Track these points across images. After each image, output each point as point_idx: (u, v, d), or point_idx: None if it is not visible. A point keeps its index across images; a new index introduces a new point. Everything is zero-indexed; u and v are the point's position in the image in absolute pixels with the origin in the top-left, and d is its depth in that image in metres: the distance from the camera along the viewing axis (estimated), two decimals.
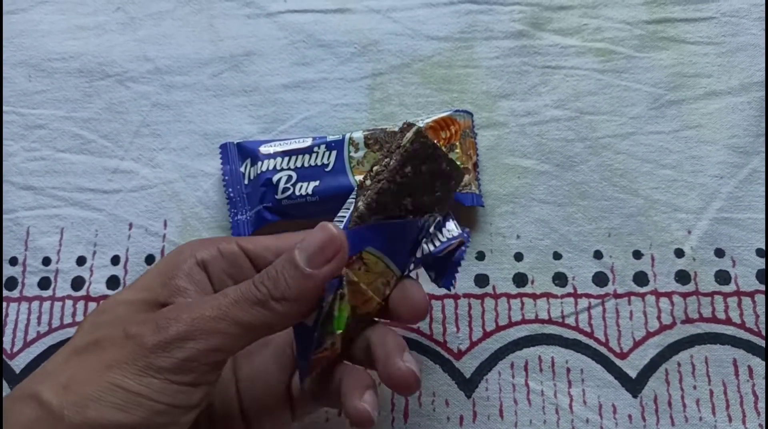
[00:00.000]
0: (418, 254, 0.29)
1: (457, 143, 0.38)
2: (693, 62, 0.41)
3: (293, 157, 0.38)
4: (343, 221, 0.28)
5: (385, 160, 0.28)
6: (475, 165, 0.39)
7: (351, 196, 0.30)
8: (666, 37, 0.42)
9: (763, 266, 0.37)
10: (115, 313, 0.27)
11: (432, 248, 0.29)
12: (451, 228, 0.30)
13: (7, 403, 0.24)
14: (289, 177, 0.37)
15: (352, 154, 0.38)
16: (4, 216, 0.41)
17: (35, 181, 0.42)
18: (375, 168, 0.29)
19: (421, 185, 0.28)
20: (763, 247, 0.37)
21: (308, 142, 0.38)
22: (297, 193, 0.37)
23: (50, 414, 0.23)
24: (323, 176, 0.37)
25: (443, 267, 0.30)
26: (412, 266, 0.30)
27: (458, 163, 0.36)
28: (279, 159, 0.38)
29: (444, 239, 0.29)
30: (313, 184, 0.37)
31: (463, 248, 0.30)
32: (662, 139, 0.40)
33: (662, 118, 0.40)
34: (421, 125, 0.37)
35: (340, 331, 0.27)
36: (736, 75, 0.41)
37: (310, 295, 0.25)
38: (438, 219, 0.29)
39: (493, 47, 0.42)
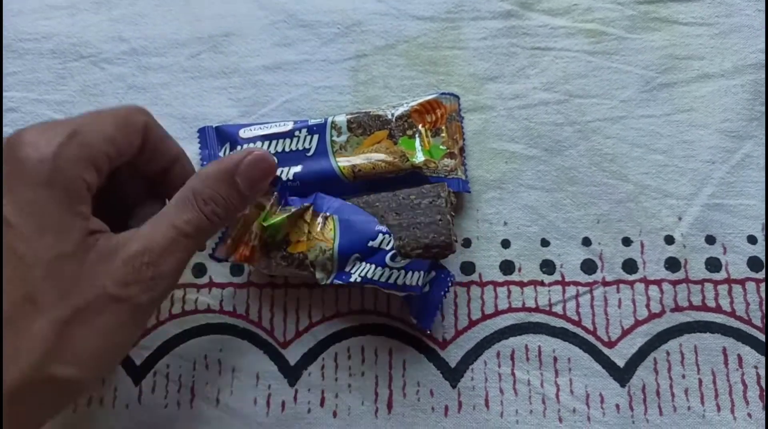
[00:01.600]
0: (369, 274, 0.33)
1: (443, 127, 0.37)
2: (685, 44, 0.40)
3: (273, 142, 0.37)
4: None
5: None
6: (462, 150, 0.38)
7: None
8: (658, 17, 0.41)
9: (755, 253, 0.36)
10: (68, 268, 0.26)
11: (383, 280, 0.33)
12: (414, 278, 0.33)
13: None
14: None
15: (334, 138, 0.37)
16: None
17: None
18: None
19: (410, 215, 0.33)
20: (755, 234, 0.36)
21: (289, 126, 0.37)
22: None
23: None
24: (305, 161, 0.36)
25: (423, 306, 0.34)
26: (358, 280, 0.33)
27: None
28: (259, 143, 0.37)
29: (401, 283, 0.33)
30: (294, 169, 0.36)
31: (442, 293, 0.34)
32: (653, 122, 0.39)
33: (653, 101, 0.39)
34: (407, 109, 0.36)
35: (265, 224, 0.33)
36: (730, 57, 0.40)
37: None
38: (395, 246, 0.33)
39: (481, 28, 0.41)
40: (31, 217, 0.25)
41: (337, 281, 0.33)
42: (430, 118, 0.37)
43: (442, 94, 0.38)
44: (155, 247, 0.27)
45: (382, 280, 0.33)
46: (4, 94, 0.42)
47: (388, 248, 0.33)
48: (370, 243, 0.33)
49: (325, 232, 0.33)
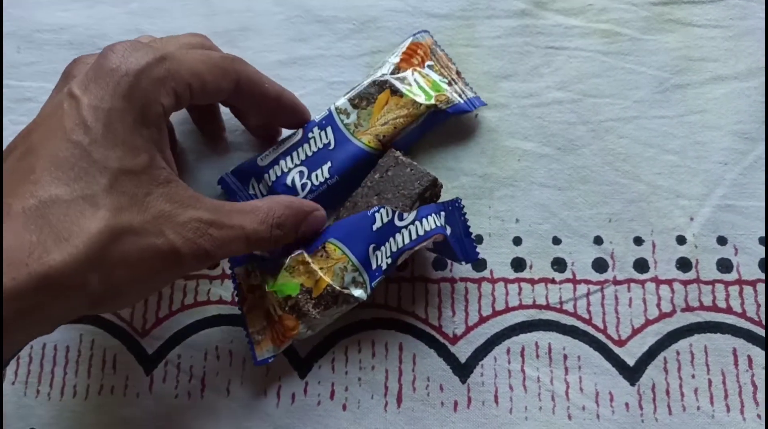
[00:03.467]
0: (393, 248, 0.33)
1: (432, 62, 0.39)
2: (699, 46, 0.40)
3: (293, 153, 0.37)
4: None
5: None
6: (458, 72, 0.39)
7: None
8: (672, 19, 0.41)
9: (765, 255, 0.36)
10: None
11: (407, 241, 0.33)
12: (430, 222, 0.33)
13: None
14: (301, 172, 0.36)
15: (345, 121, 0.37)
16: None
17: None
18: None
19: (387, 187, 0.34)
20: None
21: (299, 135, 0.37)
22: (316, 182, 0.36)
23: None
24: (331, 155, 0.36)
25: (458, 244, 0.34)
26: (390, 261, 0.33)
27: (431, 92, 0.37)
28: (282, 162, 0.36)
29: (422, 232, 0.33)
30: (326, 167, 0.36)
31: (463, 219, 0.35)
32: (666, 123, 0.39)
33: (667, 102, 0.39)
34: (393, 63, 0.38)
35: (272, 289, 0.33)
36: (743, 59, 0.40)
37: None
38: (393, 210, 0.33)
39: (495, 26, 0.41)
40: (106, 126, 0.26)
41: (375, 283, 0.33)
42: (416, 60, 0.38)
43: (414, 35, 0.39)
44: (222, 233, 0.29)
45: (407, 241, 0.33)
46: (20, 83, 0.42)
47: (390, 216, 0.33)
48: (374, 226, 0.33)
49: (333, 256, 0.33)
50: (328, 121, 0.37)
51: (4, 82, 0.42)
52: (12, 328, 0.24)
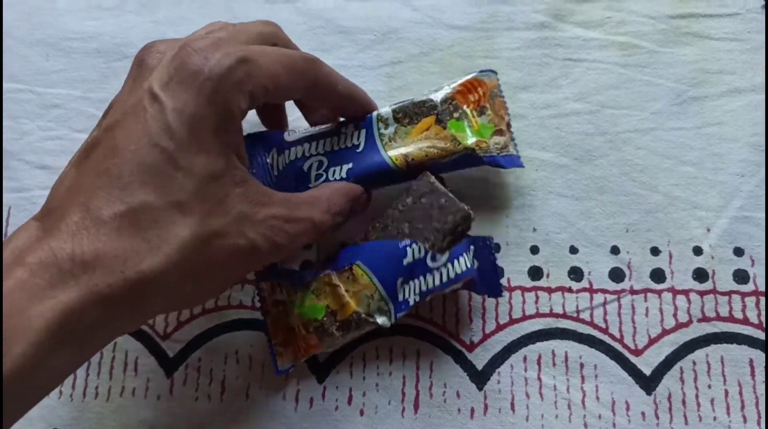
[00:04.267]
0: (423, 287, 0.33)
1: (487, 105, 0.37)
2: (717, 58, 0.40)
3: (320, 142, 0.36)
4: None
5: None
6: (508, 125, 0.37)
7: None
8: (690, 32, 0.41)
9: None
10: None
11: (437, 283, 0.33)
12: (461, 263, 0.33)
13: None
14: (320, 162, 0.35)
15: (382, 130, 0.36)
16: (19, 194, 0.41)
17: (50, 160, 0.41)
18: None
19: (419, 215, 0.33)
20: None
21: (333, 125, 0.36)
22: (331, 178, 0.35)
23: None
24: (355, 157, 0.35)
25: (483, 280, 0.35)
26: (418, 299, 0.33)
27: (474, 145, 0.35)
28: (306, 145, 0.36)
29: (452, 275, 0.33)
30: (346, 167, 0.35)
31: (492, 257, 0.34)
32: (683, 135, 0.39)
33: (684, 114, 0.39)
34: (449, 91, 0.36)
35: (300, 311, 0.34)
36: (760, 72, 0.40)
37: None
38: (425, 248, 0.33)
39: (514, 38, 0.42)
40: (190, 131, 0.26)
41: (400, 315, 0.33)
42: (473, 97, 0.37)
43: (481, 71, 0.37)
44: (295, 227, 0.30)
45: (437, 284, 0.33)
46: (49, 90, 0.43)
47: (422, 255, 0.33)
48: (405, 261, 0.33)
49: (361, 281, 0.33)
50: (366, 124, 0.36)
51: (33, 88, 0.43)
52: (100, 332, 0.25)
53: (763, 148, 0.38)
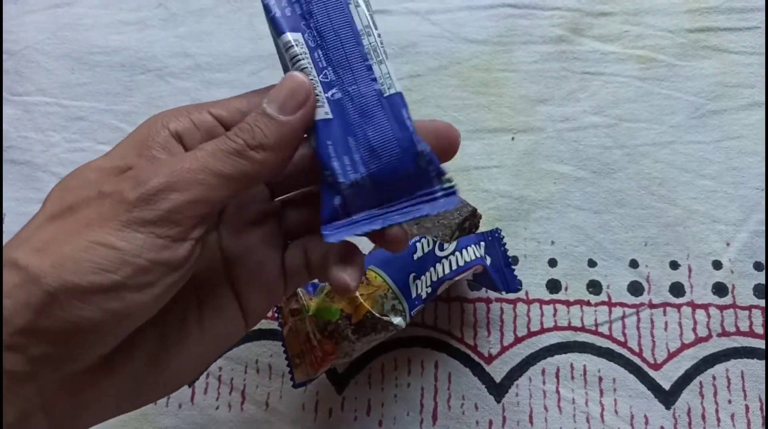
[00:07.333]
0: (433, 277, 0.33)
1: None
2: (735, 72, 0.40)
3: None
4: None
5: None
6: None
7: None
8: (708, 45, 0.41)
9: None
10: (86, 179, 0.25)
11: (447, 271, 0.34)
12: (470, 252, 0.34)
13: None
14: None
15: None
16: None
17: None
18: None
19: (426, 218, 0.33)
20: None
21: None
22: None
23: (28, 278, 0.22)
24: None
25: (497, 274, 0.35)
26: (429, 291, 0.33)
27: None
28: None
29: (462, 263, 0.34)
30: None
31: (503, 250, 0.35)
32: (702, 148, 0.39)
33: (703, 127, 0.39)
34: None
35: (313, 314, 0.33)
36: None
37: (286, 142, 0.25)
38: (433, 240, 0.34)
39: (532, 52, 0.42)
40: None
41: (414, 312, 0.33)
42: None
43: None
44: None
45: (447, 271, 0.33)
46: (73, 103, 0.44)
47: (431, 247, 0.34)
48: (415, 256, 0.33)
49: (374, 283, 0.33)
50: None
51: (59, 101, 0.44)
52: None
53: None
